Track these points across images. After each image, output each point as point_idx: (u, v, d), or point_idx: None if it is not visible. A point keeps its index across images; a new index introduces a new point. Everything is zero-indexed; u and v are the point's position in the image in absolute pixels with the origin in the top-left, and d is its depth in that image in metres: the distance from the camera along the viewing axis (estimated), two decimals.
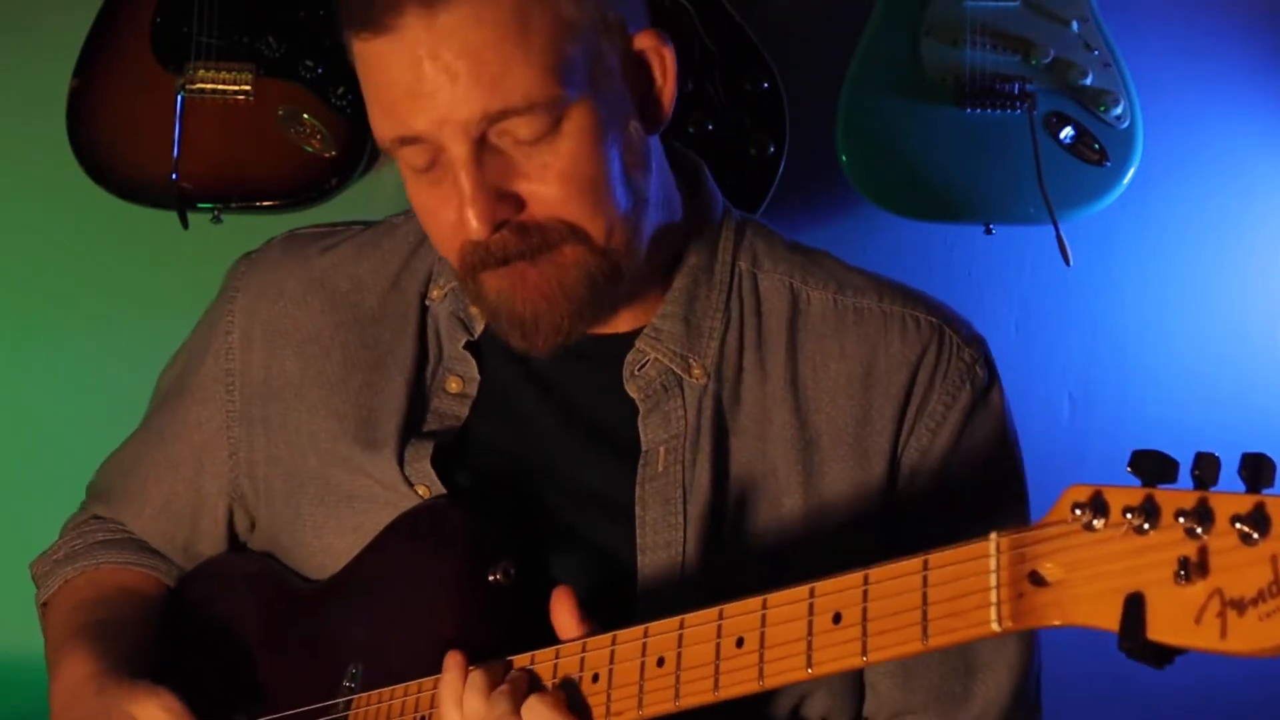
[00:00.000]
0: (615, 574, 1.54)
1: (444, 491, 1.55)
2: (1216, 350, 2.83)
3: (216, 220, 2.65)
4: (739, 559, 1.54)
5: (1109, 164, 2.61)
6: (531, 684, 1.40)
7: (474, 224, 1.42)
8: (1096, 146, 2.61)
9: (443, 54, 1.39)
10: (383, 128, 1.45)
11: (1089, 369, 2.86)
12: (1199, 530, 1.05)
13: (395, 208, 2.71)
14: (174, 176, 2.60)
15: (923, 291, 1.64)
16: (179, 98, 2.61)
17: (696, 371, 1.56)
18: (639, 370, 1.56)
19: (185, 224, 2.63)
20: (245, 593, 1.69)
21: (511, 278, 1.47)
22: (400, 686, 1.48)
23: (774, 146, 2.63)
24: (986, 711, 1.59)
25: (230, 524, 1.74)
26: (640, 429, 1.55)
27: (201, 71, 2.62)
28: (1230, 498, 1.05)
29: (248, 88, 2.63)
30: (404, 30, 1.39)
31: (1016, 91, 2.60)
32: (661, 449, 1.55)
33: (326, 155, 2.65)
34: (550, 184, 1.44)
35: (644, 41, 1.51)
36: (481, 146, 1.41)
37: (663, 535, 1.54)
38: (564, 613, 1.41)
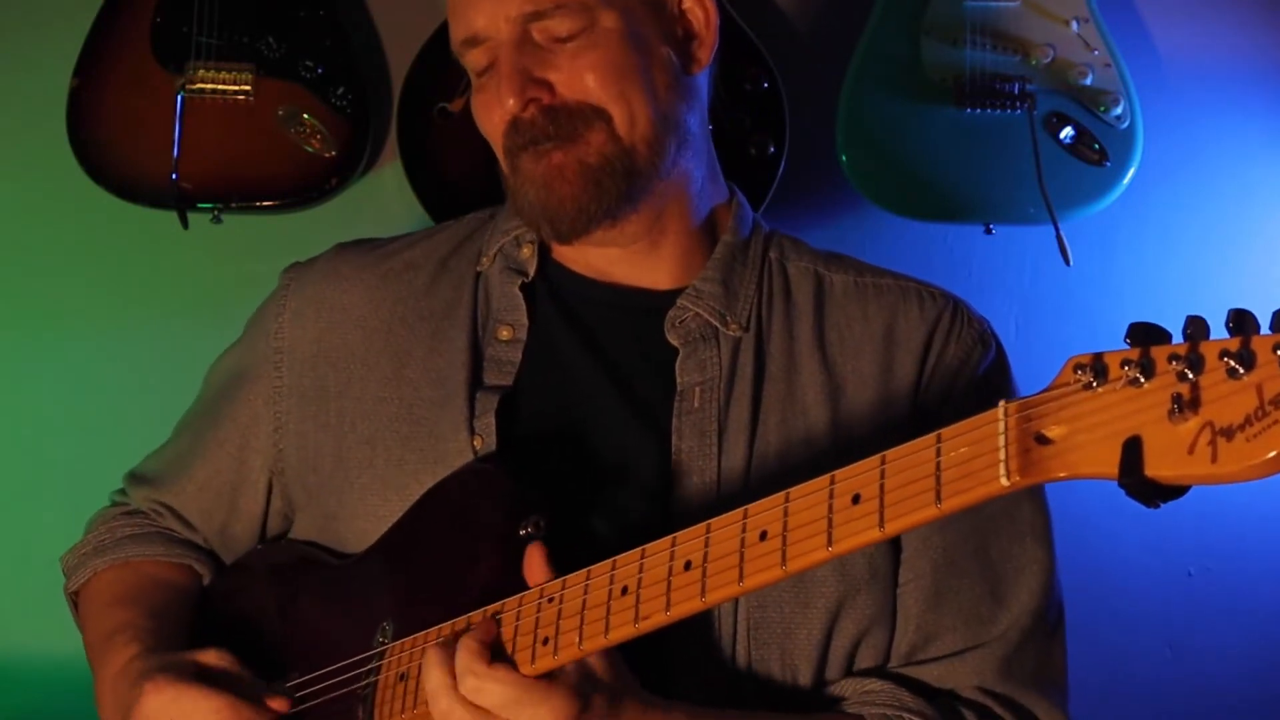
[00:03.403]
0: (651, 505, 1.64)
1: (494, 447, 1.66)
2: None
3: (216, 220, 2.65)
4: (766, 489, 1.60)
5: (1109, 164, 2.61)
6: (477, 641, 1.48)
7: (509, 99, 1.64)
8: (1096, 146, 2.61)
9: None
10: (454, 32, 1.70)
11: None
12: (1190, 374, 1.12)
13: (395, 208, 2.72)
14: (174, 176, 2.60)
15: None
16: (179, 98, 2.61)
17: (733, 326, 1.71)
18: (679, 323, 1.72)
19: (185, 224, 2.63)
20: (279, 578, 1.77)
21: (540, 160, 1.66)
22: (433, 629, 1.55)
23: (774, 146, 2.63)
24: (1010, 629, 1.67)
25: (267, 505, 1.83)
26: (677, 372, 1.69)
27: (201, 71, 2.62)
28: (1218, 342, 1.12)
29: (248, 88, 2.63)
30: None
31: (1016, 91, 2.61)
32: (697, 389, 1.68)
33: (326, 155, 2.65)
34: (579, 72, 1.65)
35: None
36: (524, 39, 1.65)
37: (696, 463, 1.65)
38: (535, 565, 1.53)
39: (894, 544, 1.67)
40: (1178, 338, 1.15)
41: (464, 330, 1.74)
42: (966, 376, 1.72)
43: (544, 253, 1.78)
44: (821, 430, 1.68)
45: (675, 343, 1.70)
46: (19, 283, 2.78)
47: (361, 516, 1.70)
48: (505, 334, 1.74)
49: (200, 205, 2.63)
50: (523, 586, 1.51)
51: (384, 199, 2.76)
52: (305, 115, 2.64)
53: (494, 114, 1.67)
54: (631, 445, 1.68)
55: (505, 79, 1.64)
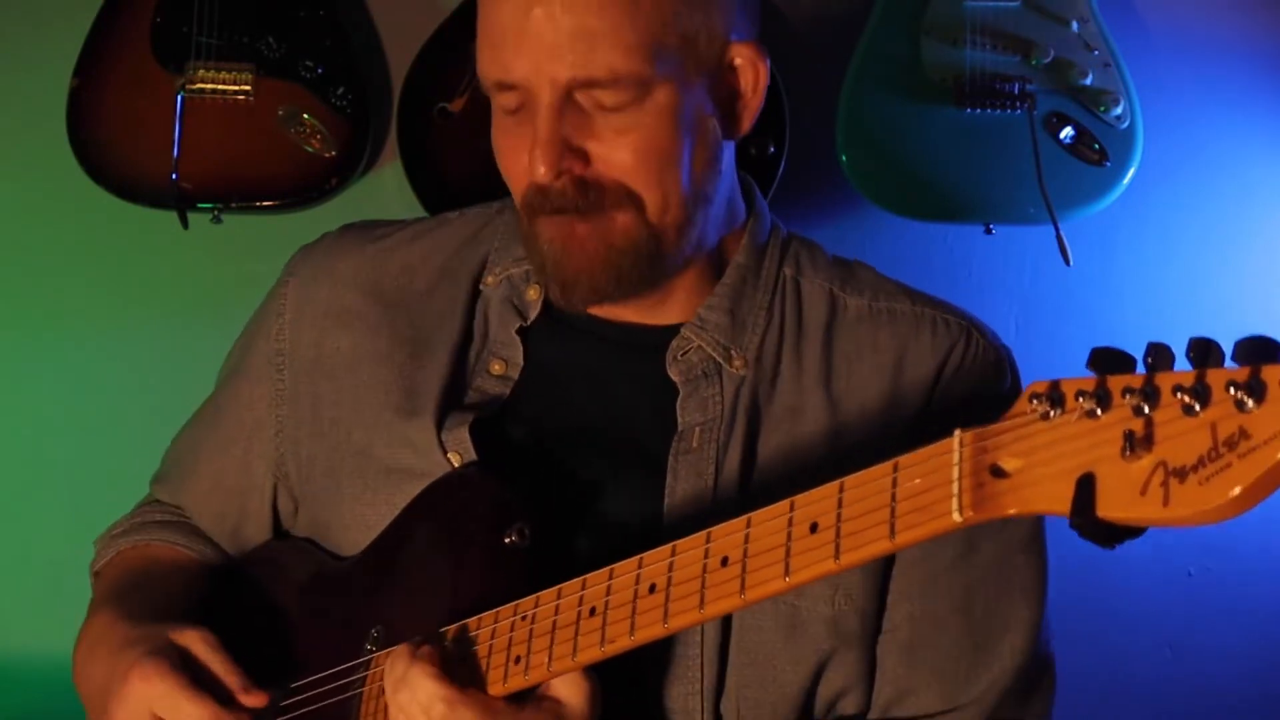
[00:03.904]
0: (640, 541, 1.56)
1: (474, 458, 1.60)
2: None
3: (216, 220, 2.65)
4: None
5: (1109, 164, 2.61)
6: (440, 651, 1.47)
7: (540, 167, 1.53)
8: (1096, 146, 2.61)
9: (554, 6, 1.51)
10: (487, 68, 1.57)
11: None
12: (1145, 408, 1.07)
13: (395, 208, 2.72)
14: (174, 176, 2.60)
15: (956, 304, 1.73)
16: (179, 98, 2.61)
17: (737, 362, 1.64)
18: (682, 355, 1.64)
19: (185, 224, 2.63)
20: (281, 576, 1.75)
21: (562, 228, 1.57)
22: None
23: (774, 146, 2.63)
24: (988, 692, 1.62)
25: (275, 506, 1.80)
26: (678, 410, 1.62)
27: (201, 71, 2.62)
28: (1174, 375, 1.07)
29: (248, 88, 2.63)
30: None
31: (1016, 91, 2.61)
32: (697, 429, 1.61)
33: (326, 155, 2.65)
34: (620, 149, 1.54)
35: (742, 52, 1.61)
36: (566, 100, 1.53)
37: (690, 507, 1.59)
38: None
39: (883, 594, 1.62)
40: (1142, 366, 1.10)
41: (450, 348, 1.69)
42: (973, 412, 1.64)
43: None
44: (822, 473, 1.57)
45: (676, 379, 1.63)
46: (19, 283, 2.78)
47: (354, 527, 1.67)
48: (497, 369, 1.68)
49: (200, 205, 2.63)
50: (508, 594, 1.49)
51: (384, 199, 2.76)
52: (305, 115, 2.64)
53: (518, 164, 1.58)
54: (623, 482, 1.62)
55: (542, 147, 1.53)
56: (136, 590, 1.74)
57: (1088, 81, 2.62)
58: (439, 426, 1.63)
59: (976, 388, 1.66)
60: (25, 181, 2.77)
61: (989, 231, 2.65)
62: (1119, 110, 2.61)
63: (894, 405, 1.63)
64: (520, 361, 1.67)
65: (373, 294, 1.74)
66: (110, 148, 2.64)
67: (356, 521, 1.67)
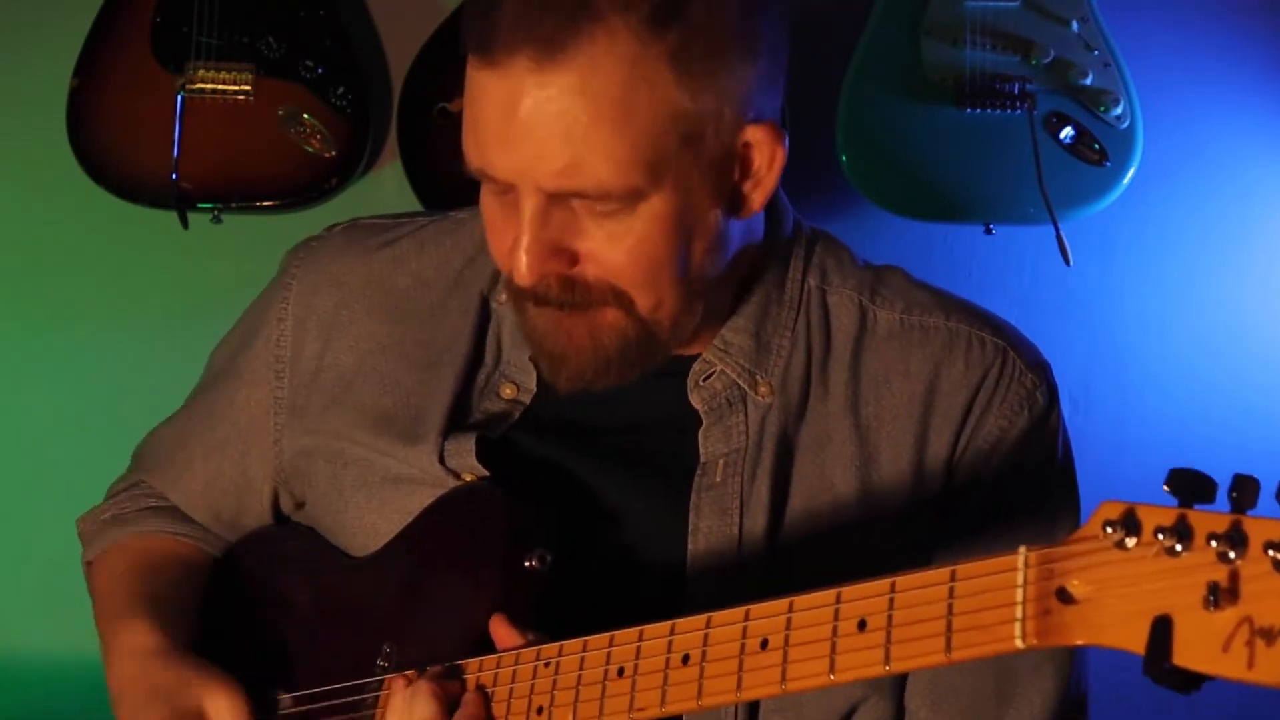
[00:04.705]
0: (663, 579, 1.54)
1: (487, 474, 1.55)
2: (1216, 350, 2.84)
3: (216, 220, 2.65)
4: (789, 572, 1.53)
5: (1109, 164, 2.61)
6: (458, 690, 1.43)
7: (522, 270, 1.44)
8: (1096, 146, 2.61)
9: (540, 112, 1.40)
10: (470, 153, 1.47)
11: (1089, 369, 2.86)
12: (1231, 555, 1.02)
13: (395, 208, 2.72)
14: (174, 176, 2.60)
15: (991, 312, 1.64)
16: (179, 98, 2.61)
17: (763, 389, 1.56)
18: (704, 381, 1.57)
19: (185, 224, 2.63)
20: (290, 566, 1.71)
21: (547, 317, 1.49)
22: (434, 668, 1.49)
23: None
24: None
25: (275, 503, 1.76)
26: (701, 441, 1.55)
27: (201, 71, 2.62)
28: (1265, 523, 1.02)
29: (248, 88, 2.63)
30: (512, 72, 1.41)
31: (1016, 91, 2.61)
32: (720, 462, 1.54)
33: (326, 155, 2.65)
34: (611, 253, 1.44)
35: (757, 134, 1.50)
36: (552, 201, 1.42)
37: (715, 545, 1.53)
38: (502, 632, 1.45)
39: None
40: (1222, 490, 1.04)
41: (457, 369, 1.62)
42: (1002, 455, 1.58)
43: None
44: (850, 507, 1.56)
45: (699, 407, 1.56)
46: (19, 283, 2.79)
47: (361, 533, 1.63)
48: (509, 392, 1.61)
49: (200, 205, 2.63)
50: (523, 619, 1.46)
51: (384, 199, 2.76)
52: (305, 115, 2.64)
53: (502, 244, 1.49)
54: (643, 513, 1.56)
55: (525, 251, 1.43)
56: (162, 607, 1.69)
57: (1088, 81, 2.62)
58: (441, 454, 1.58)
59: (1008, 422, 1.59)
60: (25, 181, 2.77)
61: (989, 231, 2.65)
62: (1119, 110, 2.61)
63: (923, 437, 1.57)
64: (533, 387, 1.61)
65: (380, 308, 1.68)
66: (110, 148, 2.65)
67: (365, 529, 1.63)
